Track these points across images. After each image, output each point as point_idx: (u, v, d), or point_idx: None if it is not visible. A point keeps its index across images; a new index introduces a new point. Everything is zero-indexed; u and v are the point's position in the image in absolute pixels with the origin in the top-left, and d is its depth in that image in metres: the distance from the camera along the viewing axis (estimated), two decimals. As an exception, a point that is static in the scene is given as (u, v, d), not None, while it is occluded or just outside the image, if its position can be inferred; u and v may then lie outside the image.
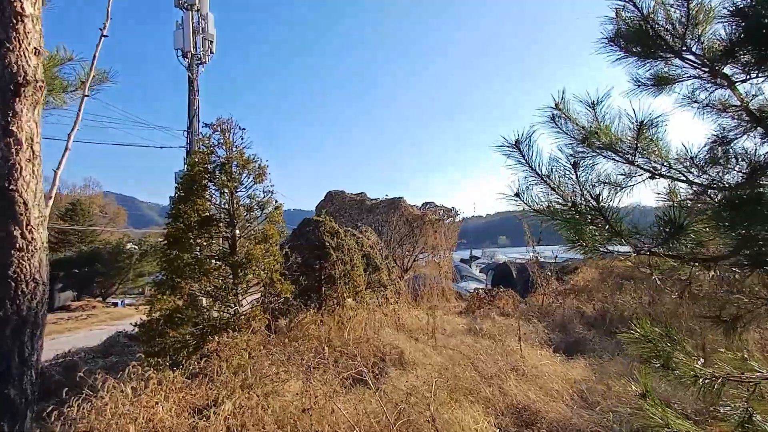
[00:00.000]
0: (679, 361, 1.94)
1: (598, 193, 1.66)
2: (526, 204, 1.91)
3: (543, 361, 6.37)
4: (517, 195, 1.91)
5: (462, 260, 39.27)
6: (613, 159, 1.93)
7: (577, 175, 1.77)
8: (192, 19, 18.00)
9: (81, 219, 42.95)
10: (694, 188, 1.97)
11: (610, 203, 1.66)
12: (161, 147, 16.64)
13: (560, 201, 1.83)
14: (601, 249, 1.74)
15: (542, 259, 14.53)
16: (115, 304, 24.82)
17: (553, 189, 1.86)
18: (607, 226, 1.64)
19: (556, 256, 13.49)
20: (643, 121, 1.76)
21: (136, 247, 29.55)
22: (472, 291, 18.31)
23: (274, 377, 4.90)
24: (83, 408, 4.73)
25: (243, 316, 5.48)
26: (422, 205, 20.84)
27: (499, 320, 10.06)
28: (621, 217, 1.67)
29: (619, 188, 2.11)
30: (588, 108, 2.07)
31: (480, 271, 31.30)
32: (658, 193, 2.34)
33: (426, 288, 16.90)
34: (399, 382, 5.45)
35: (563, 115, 2.29)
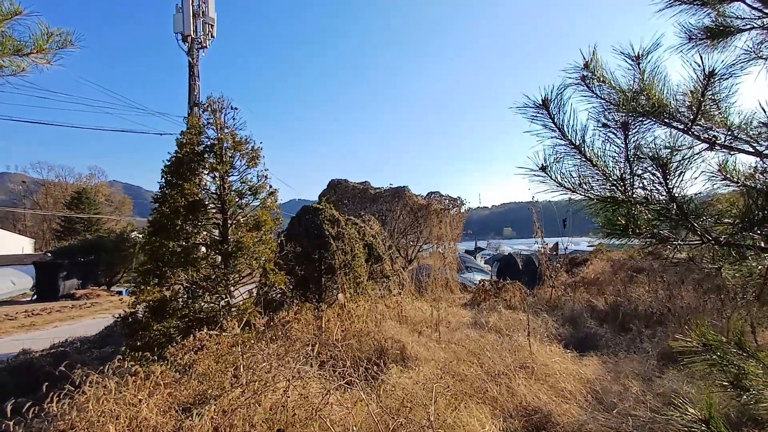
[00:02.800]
0: (756, 380, 1.52)
1: (665, 161, 1.25)
2: (554, 180, 1.51)
3: (554, 358, 5.99)
4: (543, 169, 1.51)
5: (466, 251, 38.85)
6: (666, 125, 1.51)
7: (626, 140, 1.37)
8: (192, 1, 17.55)
9: (86, 207, 43.14)
10: (765, 161, 1.57)
11: (680, 179, 1.25)
12: (161, 134, 16.36)
13: (599, 176, 1.43)
14: (661, 237, 1.34)
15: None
16: (120, 293, 24.80)
17: (589, 160, 1.46)
18: (675, 208, 1.24)
19: (566, 247, 13.03)
20: (714, 71, 1.35)
21: (141, 235, 29.42)
22: (477, 282, 17.93)
23: (268, 377, 4.59)
24: (64, 404, 4.45)
25: (234, 309, 5.15)
26: (427, 194, 20.40)
27: (505, 313, 9.68)
28: (691, 197, 1.27)
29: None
30: (631, 62, 1.65)
31: (485, 263, 30.87)
32: (707, 171, 1.93)
33: (430, 279, 16.55)
34: (400, 381, 5.11)
35: (595, 77, 1.88)
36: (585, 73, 1.88)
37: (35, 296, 23.14)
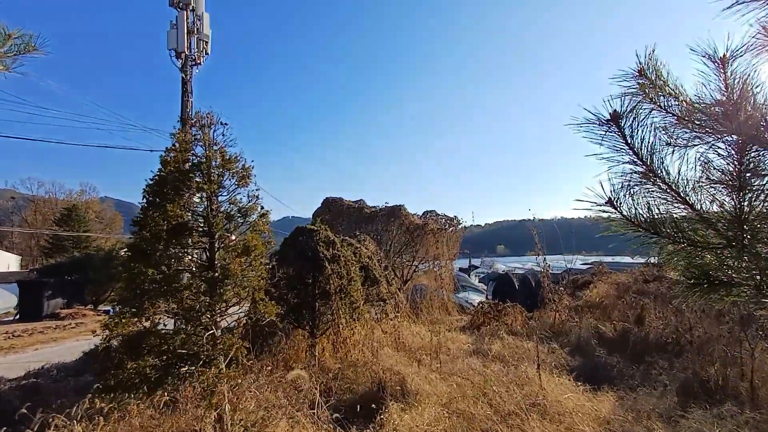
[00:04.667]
0: None
1: None
2: (625, 217, 1.15)
3: (566, 394, 5.54)
4: (610, 203, 1.15)
5: (461, 269, 38.32)
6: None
7: (741, 167, 1.01)
8: (186, 18, 17.38)
9: (76, 224, 42.28)
10: None
11: None
12: (151, 150, 15.97)
13: (691, 213, 1.07)
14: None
15: (552, 271, 13.70)
16: (107, 312, 23.96)
17: (673, 191, 1.10)
18: None
19: (569, 269, 12.65)
20: None
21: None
22: (473, 303, 17.48)
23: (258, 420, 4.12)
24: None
25: (220, 343, 4.68)
26: (423, 213, 20.11)
27: (508, 340, 9.22)
28: None
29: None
30: (713, 66, 1.31)
31: (479, 281, 30.36)
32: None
33: (426, 300, 16.08)
34: (401, 423, 4.64)
35: (656, 86, 1.53)
36: (642, 81, 1.53)
37: (18, 316, 22.32)
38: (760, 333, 5.51)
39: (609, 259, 27.26)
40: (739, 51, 1.26)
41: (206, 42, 17.78)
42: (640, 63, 1.54)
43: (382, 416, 4.86)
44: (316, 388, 5.20)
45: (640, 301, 9.45)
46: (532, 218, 13.08)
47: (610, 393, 5.89)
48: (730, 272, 1.06)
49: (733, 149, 1.07)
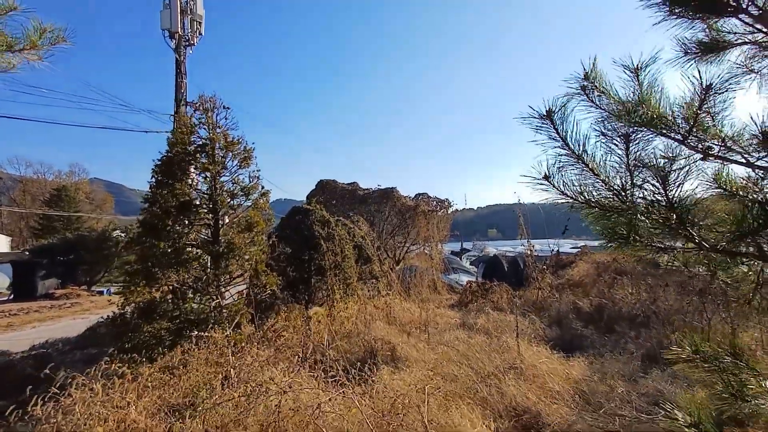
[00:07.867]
0: (756, 391, 1.54)
1: (665, 171, 1.31)
2: (557, 189, 1.56)
3: (541, 359, 6.09)
4: (546, 178, 1.56)
5: (452, 252, 38.98)
6: (664, 135, 1.56)
7: (627, 151, 1.42)
8: (180, -2, 17.29)
9: (66, 205, 42.03)
10: (756, 172, 1.64)
11: (678, 189, 1.31)
12: (146, 131, 16.06)
13: (601, 185, 1.48)
14: (659, 246, 1.39)
15: (537, 253, 14.30)
16: (101, 293, 24.23)
17: (591, 170, 1.51)
18: (675, 218, 1.29)
19: (554, 250, 13.23)
20: (711, 85, 1.41)
21: (123, 234, 28.79)
22: (463, 284, 18.08)
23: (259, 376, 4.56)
24: (49, 407, 4.34)
25: (225, 310, 5.10)
26: (415, 195, 20.52)
27: (493, 315, 9.78)
28: (688, 207, 1.32)
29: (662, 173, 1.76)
30: (630, 74, 1.71)
31: (470, 264, 31.02)
32: (704, 181, 2.00)
33: (417, 280, 16.62)
34: (392, 382, 5.13)
35: (596, 87, 1.94)
36: (585, 84, 1.94)
37: (12, 296, 22.52)
38: (718, 303, 6.05)
39: (596, 243, 28.07)
40: (647, 61, 1.67)
41: (200, 23, 17.73)
42: (585, 69, 1.96)
43: (373, 377, 5.35)
44: (312, 355, 5.66)
45: (617, 279, 10.03)
46: (517, 201, 13.65)
47: (582, 359, 6.46)
48: (631, 231, 1.48)
49: (623, 138, 1.47)
